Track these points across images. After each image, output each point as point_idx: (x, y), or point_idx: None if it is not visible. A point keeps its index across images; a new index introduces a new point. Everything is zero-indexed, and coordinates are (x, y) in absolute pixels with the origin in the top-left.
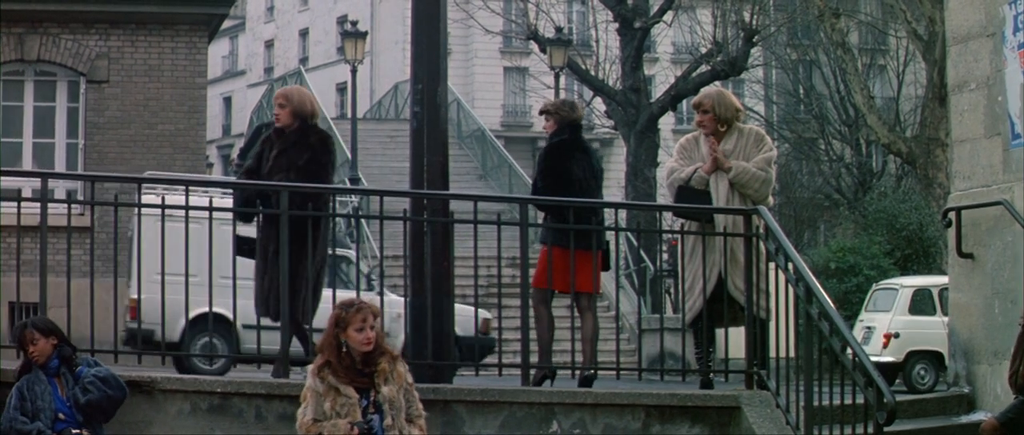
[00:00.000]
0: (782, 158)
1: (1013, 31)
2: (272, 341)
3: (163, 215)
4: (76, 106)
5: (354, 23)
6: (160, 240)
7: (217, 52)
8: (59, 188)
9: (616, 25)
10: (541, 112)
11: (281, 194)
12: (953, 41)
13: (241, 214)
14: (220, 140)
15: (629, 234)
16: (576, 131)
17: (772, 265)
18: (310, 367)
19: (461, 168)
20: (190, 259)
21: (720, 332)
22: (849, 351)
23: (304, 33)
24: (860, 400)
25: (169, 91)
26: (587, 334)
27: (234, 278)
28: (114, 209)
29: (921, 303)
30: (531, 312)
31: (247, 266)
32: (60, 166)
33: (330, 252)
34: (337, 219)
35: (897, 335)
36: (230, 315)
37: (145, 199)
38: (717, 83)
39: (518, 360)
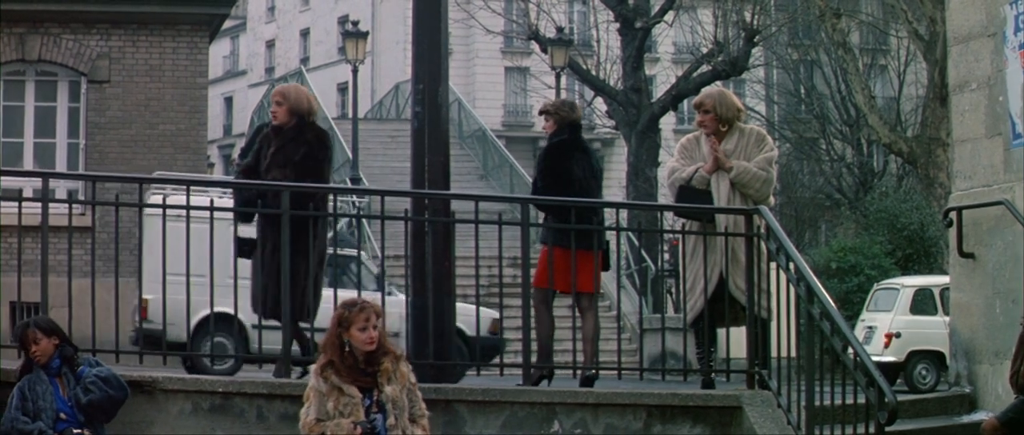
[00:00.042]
0: (783, 158)
1: (1014, 31)
2: (277, 341)
3: (164, 215)
4: (77, 106)
5: (355, 23)
6: (163, 241)
7: (218, 52)
8: (60, 188)
9: (617, 25)
10: (541, 112)
11: (282, 193)
12: (954, 41)
13: (242, 215)
14: (221, 140)
15: (630, 234)
16: (576, 131)
17: (773, 265)
18: (313, 367)
19: (462, 168)
20: (198, 259)
21: (722, 332)
22: (850, 351)
23: (305, 33)
24: (861, 400)
25: (170, 91)
26: (588, 334)
27: (235, 279)
28: (115, 209)
29: (922, 303)
30: (531, 312)
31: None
32: (61, 166)
33: (333, 251)
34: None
35: (898, 335)
36: (239, 315)
37: (155, 199)
38: (718, 83)
39: (519, 360)
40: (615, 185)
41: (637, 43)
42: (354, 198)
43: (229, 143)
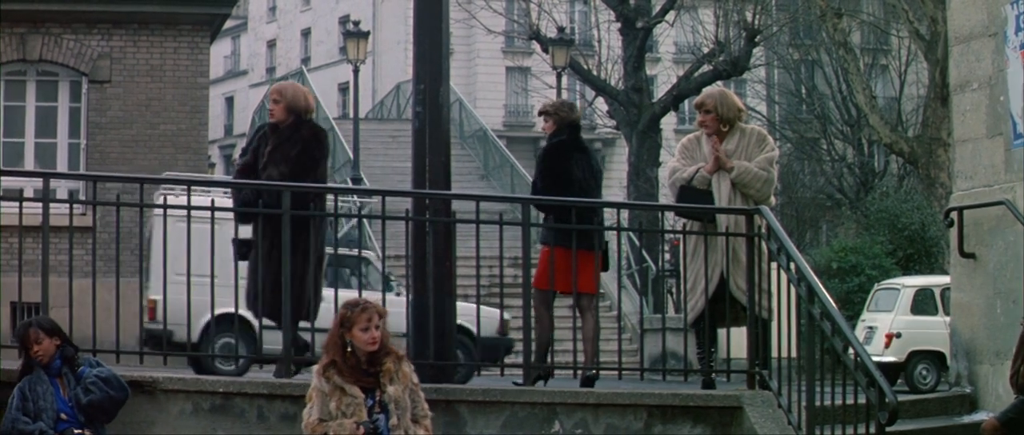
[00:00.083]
0: (784, 158)
1: (1015, 31)
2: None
3: (165, 216)
4: (78, 106)
5: (356, 23)
6: (164, 241)
7: (219, 52)
8: (61, 188)
9: (618, 25)
10: (540, 113)
11: (282, 193)
12: (955, 41)
13: (241, 216)
14: (222, 140)
15: (631, 234)
16: (575, 131)
17: (774, 265)
18: (315, 367)
19: (463, 168)
20: (205, 260)
21: (722, 332)
22: (851, 351)
23: (306, 33)
24: (862, 400)
25: (171, 91)
26: (588, 334)
27: (235, 280)
28: (116, 209)
29: (923, 303)
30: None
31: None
32: (62, 166)
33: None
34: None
35: (899, 335)
36: (247, 316)
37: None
38: (719, 83)
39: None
40: (616, 185)
41: (638, 43)
42: (355, 198)
43: (230, 143)
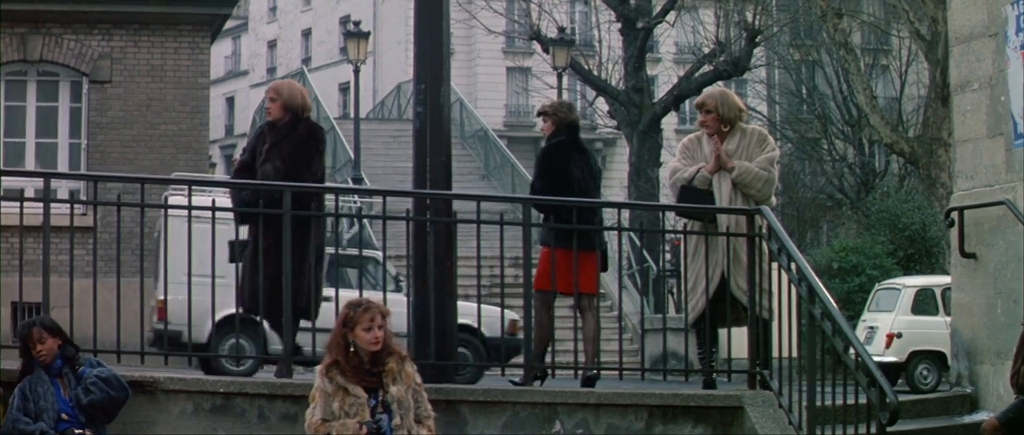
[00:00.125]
0: (785, 158)
1: (1016, 31)
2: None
3: (165, 216)
4: (79, 106)
5: (357, 23)
6: (165, 241)
7: (220, 52)
8: (62, 188)
9: (619, 25)
10: (538, 113)
11: (284, 194)
12: (955, 41)
13: (240, 216)
14: (223, 140)
15: (632, 234)
16: (574, 132)
17: (775, 265)
18: (318, 367)
19: (464, 168)
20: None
21: (723, 332)
22: (852, 351)
23: (307, 33)
24: (863, 400)
25: (172, 91)
26: (589, 334)
27: (238, 278)
28: (117, 209)
29: (924, 303)
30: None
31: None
32: (63, 166)
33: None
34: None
35: (900, 335)
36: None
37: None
38: (720, 83)
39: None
40: (617, 185)
41: (639, 43)
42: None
43: (231, 143)
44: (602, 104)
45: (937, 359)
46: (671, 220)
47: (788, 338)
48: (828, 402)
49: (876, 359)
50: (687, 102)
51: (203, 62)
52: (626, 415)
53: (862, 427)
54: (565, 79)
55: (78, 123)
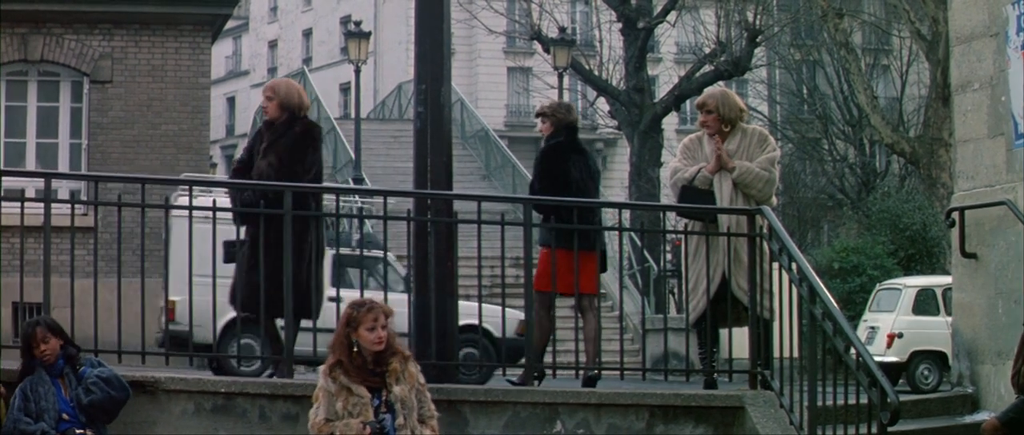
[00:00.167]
0: (786, 158)
1: (1016, 31)
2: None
3: (166, 215)
4: (79, 106)
5: (358, 23)
6: (166, 242)
7: (221, 52)
8: (63, 188)
9: (619, 25)
10: (537, 114)
11: (285, 194)
12: (956, 41)
13: (239, 215)
14: (224, 140)
15: (633, 234)
16: (572, 133)
17: (776, 265)
18: (322, 368)
19: (465, 168)
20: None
21: (724, 332)
22: (853, 351)
23: (307, 33)
24: (864, 400)
25: (173, 91)
26: (590, 334)
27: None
28: (118, 209)
29: (925, 303)
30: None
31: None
32: (63, 166)
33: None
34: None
35: (901, 335)
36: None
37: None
38: (721, 83)
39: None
40: (618, 185)
41: (639, 43)
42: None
43: (232, 143)
44: (603, 104)
45: (938, 359)
46: (672, 220)
47: (789, 338)
48: (829, 402)
49: (877, 359)
50: (688, 102)
51: (204, 62)
52: (627, 415)
53: (863, 427)
54: (566, 79)
55: (79, 123)
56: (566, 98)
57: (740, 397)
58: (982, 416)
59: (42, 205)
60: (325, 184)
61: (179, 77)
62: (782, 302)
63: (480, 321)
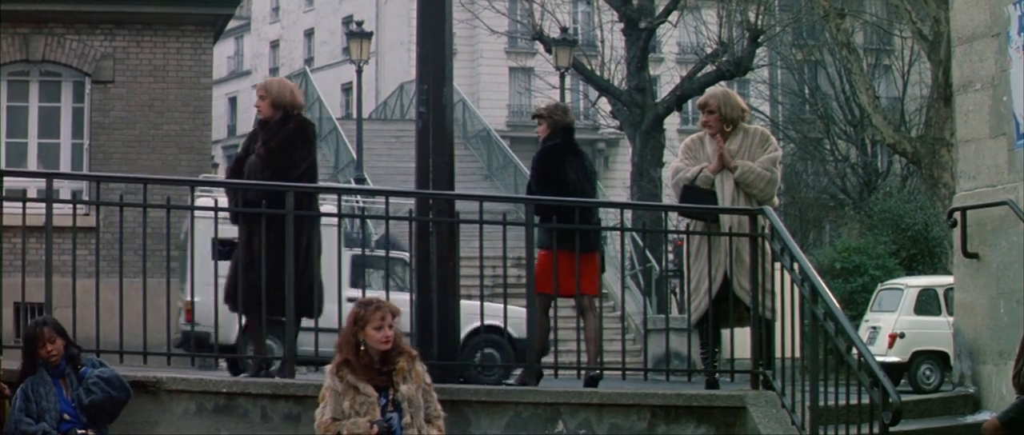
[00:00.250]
0: (787, 158)
1: (1018, 31)
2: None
3: (168, 217)
4: (81, 106)
5: (359, 23)
6: (166, 242)
7: (222, 52)
8: (64, 188)
9: (621, 25)
10: (534, 116)
11: (286, 194)
12: (958, 41)
13: (235, 215)
14: (225, 140)
15: (635, 234)
16: (569, 135)
17: (777, 265)
18: (328, 367)
19: (466, 168)
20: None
21: (726, 332)
22: (854, 351)
23: (309, 33)
24: (865, 400)
25: (174, 91)
26: (591, 334)
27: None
28: (119, 209)
29: (926, 303)
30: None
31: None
32: (65, 166)
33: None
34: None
35: (902, 335)
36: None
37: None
38: (722, 83)
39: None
40: (619, 185)
41: (641, 43)
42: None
43: (233, 143)
44: (605, 104)
45: (940, 359)
46: (674, 220)
47: (791, 338)
48: (831, 402)
49: (879, 359)
50: (689, 102)
51: (206, 62)
52: (629, 415)
53: (865, 427)
54: (568, 79)
55: (81, 123)
56: (568, 98)
57: (742, 397)
58: (984, 416)
59: (44, 205)
60: (327, 184)
61: (181, 77)
62: (784, 302)
63: (505, 323)
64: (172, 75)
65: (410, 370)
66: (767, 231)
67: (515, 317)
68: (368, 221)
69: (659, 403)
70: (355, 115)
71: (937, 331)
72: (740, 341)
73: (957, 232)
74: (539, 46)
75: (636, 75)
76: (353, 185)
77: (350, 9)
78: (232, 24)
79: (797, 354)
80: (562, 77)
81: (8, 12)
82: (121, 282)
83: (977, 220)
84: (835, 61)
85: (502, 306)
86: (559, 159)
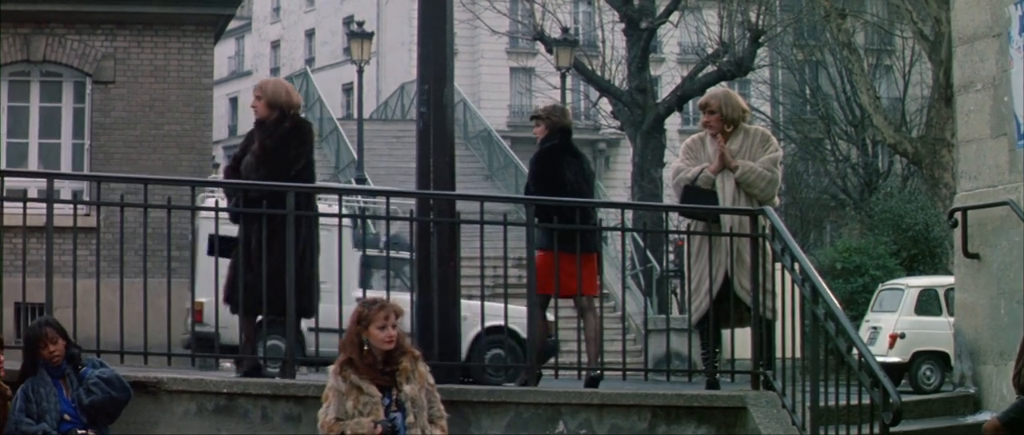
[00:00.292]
0: (788, 158)
1: (1019, 31)
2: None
3: (168, 217)
4: (82, 107)
5: (360, 24)
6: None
7: (223, 53)
8: (65, 188)
9: (622, 25)
10: (532, 117)
11: (288, 194)
12: (959, 41)
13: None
14: (226, 141)
15: (636, 234)
16: (566, 136)
17: (778, 265)
18: (331, 367)
19: (467, 168)
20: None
21: (726, 332)
22: (855, 351)
23: (310, 34)
24: (866, 400)
25: (175, 91)
26: (590, 334)
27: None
28: (120, 209)
29: (927, 303)
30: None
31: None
32: (66, 167)
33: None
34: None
35: (903, 335)
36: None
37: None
38: (723, 83)
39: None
40: (620, 186)
41: (642, 44)
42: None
43: (234, 144)
44: (605, 104)
45: (940, 359)
46: (675, 220)
47: (791, 338)
48: (831, 402)
49: (879, 359)
50: (690, 102)
51: (207, 62)
52: (629, 415)
53: (865, 427)
54: (569, 79)
55: (81, 123)
56: (569, 99)
57: (742, 397)
58: (984, 416)
59: (45, 205)
60: (327, 184)
61: (182, 77)
62: (784, 302)
63: (506, 322)
64: (173, 75)
65: (413, 370)
66: (768, 231)
67: (522, 317)
68: (371, 221)
69: (660, 403)
70: (356, 115)
71: (938, 331)
72: (741, 341)
73: (958, 232)
74: (540, 46)
75: (637, 75)
76: (354, 185)
77: (351, 9)
78: (233, 24)
79: (798, 354)
80: (563, 77)
81: (9, 12)
82: (122, 282)
83: (978, 220)
84: (836, 61)
85: (513, 307)
86: (557, 160)
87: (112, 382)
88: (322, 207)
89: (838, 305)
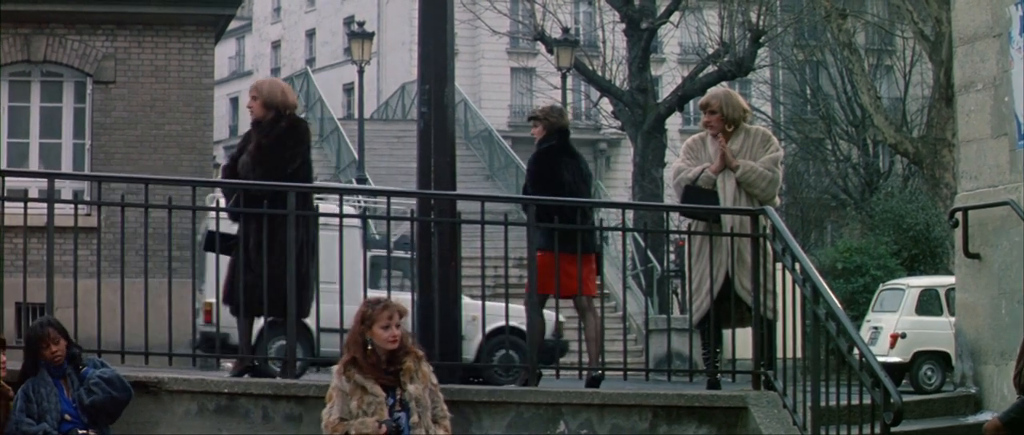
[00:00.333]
0: (789, 158)
1: (1020, 31)
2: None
3: (169, 217)
4: (83, 107)
5: (361, 24)
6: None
7: (224, 53)
8: (66, 188)
9: (623, 26)
10: (529, 118)
11: (288, 194)
12: (959, 41)
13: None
14: (227, 141)
15: (636, 234)
16: (564, 137)
17: (779, 265)
18: (335, 367)
19: (468, 168)
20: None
21: (727, 332)
22: (856, 351)
23: (311, 34)
24: (867, 400)
25: (176, 92)
26: (591, 334)
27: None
28: (120, 210)
29: (928, 303)
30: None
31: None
32: (67, 167)
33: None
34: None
35: (904, 335)
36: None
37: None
38: (724, 83)
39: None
40: (621, 186)
41: (643, 44)
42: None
43: (234, 144)
44: (606, 105)
45: (941, 359)
46: (675, 220)
47: (792, 338)
48: (832, 402)
49: (880, 359)
50: (691, 102)
51: (207, 63)
52: (630, 415)
53: (866, 427)
54: (569, 80)
55: (82, 124)
56: (569, 99)
57: (743, 397)
58: (985, 416)
59: (45, 205)
60: (328, 184)
61: (182, 77)
62: (785, 302)
63: (507, 320)
64: (174, 75)
65: (417, 370)
66: (769, 231)
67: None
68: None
69: (661, 403)
70: (357, 115)
71: (938, 331)
72: (742, 341)
73: (958, 232)
74: (541, 46)
75: (638, 75)
76: (355, 185)
77: (351, 9)
78: (233, 24)
79: (799, 354)
80: (564, 77)
81: (9, 12)
82: (123, 282)
83: (979, 220)
84: (837, 61)
85: (519, 308)
86: (555, 161)
87: (113, 382)
88: (332, 208)
89: (839, 305)
